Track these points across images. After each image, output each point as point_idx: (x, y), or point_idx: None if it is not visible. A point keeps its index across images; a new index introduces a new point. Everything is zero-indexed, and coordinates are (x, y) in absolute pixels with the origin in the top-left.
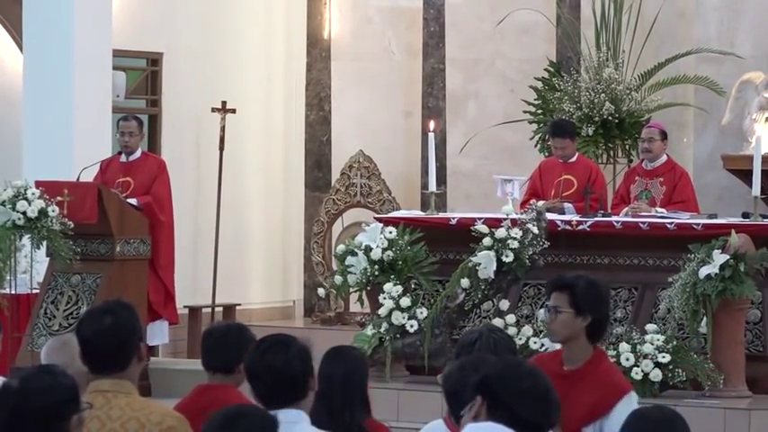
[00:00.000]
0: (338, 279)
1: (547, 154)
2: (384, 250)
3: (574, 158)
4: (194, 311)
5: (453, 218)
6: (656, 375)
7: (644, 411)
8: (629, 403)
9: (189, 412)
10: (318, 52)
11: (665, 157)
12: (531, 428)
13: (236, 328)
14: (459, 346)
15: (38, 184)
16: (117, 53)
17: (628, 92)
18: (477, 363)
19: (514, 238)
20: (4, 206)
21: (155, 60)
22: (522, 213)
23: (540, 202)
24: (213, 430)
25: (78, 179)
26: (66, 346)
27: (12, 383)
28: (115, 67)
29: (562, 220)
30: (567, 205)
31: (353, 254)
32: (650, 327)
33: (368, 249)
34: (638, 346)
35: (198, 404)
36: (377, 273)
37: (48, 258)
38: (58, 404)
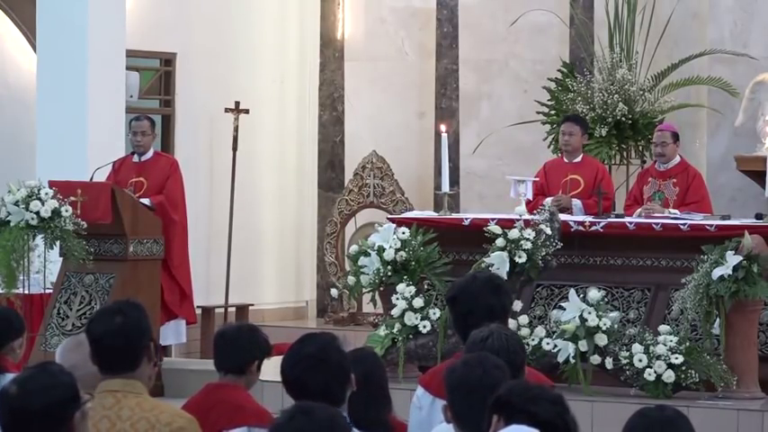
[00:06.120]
0: (351, 279)
1: (559, 154)
2: (397, 251)
3: (579, 158)
4: (207, 311)
5: (466, 218)
6: (669, 376)
7: (645, 411)
8: None
9: (196, 410)
10: (332, 52)
11: (678, 158)
12: (551, 430)
13: (247, 328)
14: (470, 343)
15: (51, 183)
16: (130, 53)
17: (641, 93)
18: (482, 359)
19: (527, 239)
20: (18, 206)
21: (168, 60)
22: (534, 214)
23: (548, 199)
24: (283, 420)
25: (92, 179)
26: (81, 346)
27: (10, 387)
28: (128, 68)
29: (575, 221)
30: (576, 201)
31: (366, 254)
32: (663, 328)
33: (381, 250)
34: (651, 347)
35: (206, 403)
36: (390, 273)
37: (61, 258)
38: (59, 403)
